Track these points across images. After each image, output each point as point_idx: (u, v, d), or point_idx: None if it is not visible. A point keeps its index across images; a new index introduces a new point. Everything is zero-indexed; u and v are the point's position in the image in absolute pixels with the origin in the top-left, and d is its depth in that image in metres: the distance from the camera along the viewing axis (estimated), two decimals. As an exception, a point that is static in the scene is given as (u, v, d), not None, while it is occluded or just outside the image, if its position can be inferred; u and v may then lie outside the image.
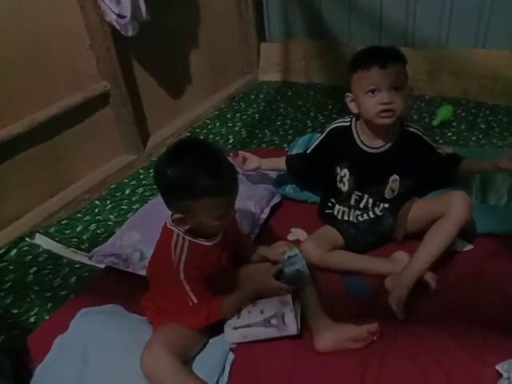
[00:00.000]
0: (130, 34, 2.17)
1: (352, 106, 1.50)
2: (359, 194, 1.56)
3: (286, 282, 1.24)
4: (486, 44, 2.79)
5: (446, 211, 1.39)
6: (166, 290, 1.21)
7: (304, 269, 1.26)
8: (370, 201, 1.55)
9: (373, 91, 1.39)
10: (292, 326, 1.21)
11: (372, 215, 1.57)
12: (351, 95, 1.48)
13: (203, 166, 1.09)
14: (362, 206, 1.57)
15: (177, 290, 1.16)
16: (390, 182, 1.52)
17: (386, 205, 1.56)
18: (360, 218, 1.58)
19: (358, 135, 1.53)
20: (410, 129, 1.52)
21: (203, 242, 1.20)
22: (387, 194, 1.54)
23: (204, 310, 1.16)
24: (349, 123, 1.57)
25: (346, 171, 1.56)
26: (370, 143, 1.51)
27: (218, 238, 1.23)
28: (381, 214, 1.56)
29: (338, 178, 1.59)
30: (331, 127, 1.62)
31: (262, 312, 1.23)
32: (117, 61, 2.26)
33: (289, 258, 1.27)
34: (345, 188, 1.58)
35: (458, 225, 1.39)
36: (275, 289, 1.24)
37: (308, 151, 1.70)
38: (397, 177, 1.52)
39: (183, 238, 1.17)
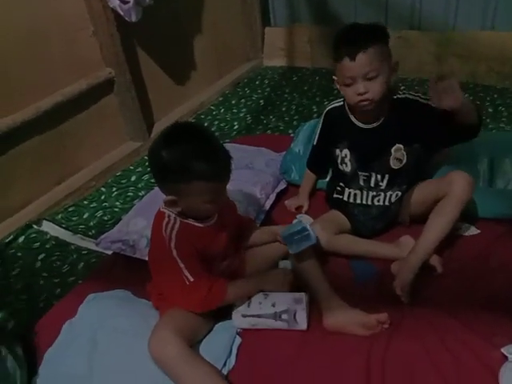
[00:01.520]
0: (133, 19, 2.15)
1: (340, 89, 1.47)
2: (365, 173, 1.55)
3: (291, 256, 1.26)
4: (494, 25, 2.75)
5: (448, 191, 1.39)
6: (163, 272, 1.22)
7: (311, 232, 1.27)
8: (379, 177, 1.53)
9: (349, 83, 1.37)
10: (302, 324, 1.21)
11: (387, 202, 1.55)
12: (336, 79, 1.46)
13: (198, 150, 1.09)
14: (372, 184, 1.55)
15: (172, 270, 1.15)
16: (393, 152, 1.49)
17: (397, 187, 1.54)
18: (376, 202, 1.56)
19: (352, 113, 1.52)
20: (398, 96, 1.48)
21: (195, 223, 1.21)
22: (394, 165, 1.51)
23: (202, 289, 1.15)
24: (342, 103, 1.55)
25: (346, 151, 1.55)
26: (364, 120, 1.50)
27: (212, 221, 1.24)
28: (394, 200, 1.55)
29: (340, 160, 1.58)
30: (326, 110, 1.62)
31: (273, 305, 1.22)
32: (121, 47, 2.25)
33: (297, 222, 1.28)
34: (347, 169, 1.57)
35: (460, 204, 1.38)
36: (282, 277, 1.25)
37: (314, 143, 1.69)
38: (400, 146, 1.49)
39: (174, 219, 1.18)
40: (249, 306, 1.24)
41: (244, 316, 1.23)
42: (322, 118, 1.63)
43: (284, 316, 1.21)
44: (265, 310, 1.22)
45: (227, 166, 1.14)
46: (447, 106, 1.27)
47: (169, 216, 1.19)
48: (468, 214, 1.57)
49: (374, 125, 1.49)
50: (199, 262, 1.17)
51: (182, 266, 1.14)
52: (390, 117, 1.48)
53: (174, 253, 1.14)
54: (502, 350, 1.07)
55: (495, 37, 2.74)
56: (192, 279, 1.14)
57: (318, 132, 1.66)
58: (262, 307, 1.23)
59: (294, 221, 1.32)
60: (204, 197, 1.13)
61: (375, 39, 1.34)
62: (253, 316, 1.23)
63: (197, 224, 1.21)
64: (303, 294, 1.25)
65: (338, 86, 1.46)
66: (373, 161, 1.53)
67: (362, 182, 1.56)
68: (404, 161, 1.50)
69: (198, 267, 1.16)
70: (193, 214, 1.19)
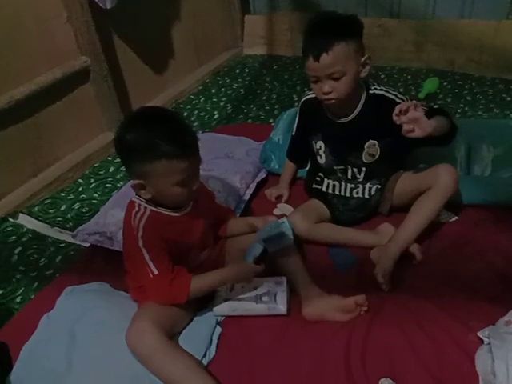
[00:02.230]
0: (108, 6, 2.10)
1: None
2: (341, 166, 1.55)
3: (269, 253, 1.25)
4: (472, 14, 2.77)
5: (433, 184, 1.39)
6: (132, 263, 1.20)
7: (289, 233, 1.26)
8: (355, 170, 1.53)
9: (315, 80, 1.37)
10: (282, 306, 1.23)
11: (366, 195, 1.55)
12: None
13: (162, 129, 1.08)
14: (349, 176, 1.55)
15: (139, 262, 1.14)
16: (366, 147, 1.49)
17: (376, 180, 1.54)
18: (354, 194, 1.56)
19: (326, 106, 1.50)
20: (376, 91, 1.46)
21: (168, 213, 1.19)
22: (366, 159, 1.50)
23: (164, 283, 1.13)
24: None
25: (320, 143, 1.55)
26: (337, 113, 1.49)
27: (186, 210, 1.22)
28: (374, 193, 1.55)
29: (315, 151, 1.58)
30: (302, 100, 1.61)
31: (255, 288, 1.26)
32: (96, 35, 2.18)
33: (276, 223, 1.26)
34: (322, 160, 1.57)
35: (445, 197, 1.39)
36: (247, 270, 1.23)
37: (293, 133, 1.68)
38: (373, 141, 1.49)
39: (144, 208, 1.17)
40: (231, 290, 1.26)
41: (225, 300, 1.24)
42: (299, 108, 1.62)
43: (265, 298, 1.23)
44: (246, 294, 1.25)
45: (192, 145, 1.12)
46: (416, 136, 1.24)
47: (139, 205, 1.17)
48: (447, 201, 1.60)
49: (347, 119, 1.48)
50: (166, 255, 1.15)
51: (147, 257, 1.13)
52: (364, 111, 1.46)
53: (140, 243, 1.13)
54: (478, 333, 1.10)
55: (474, 25, 2.75)
56: (156, 272, 1.13)
57: (296, 122, 1.65)
58: (243, 290, 1.26)
59: (271, 219, 1.29)
60: (170, 178, 1.10)
61: (343, 36, 1.30)
62: (234, 300, 1.24)
63: (169, 213, 1.19)
64: (284, 277, 1.28)
65: None
66: (346, 154, 1.53)
67: (339, 174, 1.57)
68: (377, 156, 1.50)
69: (164, 259, 1.14)
70: (164, 201, 1.17)
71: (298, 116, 1.65)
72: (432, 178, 1.41)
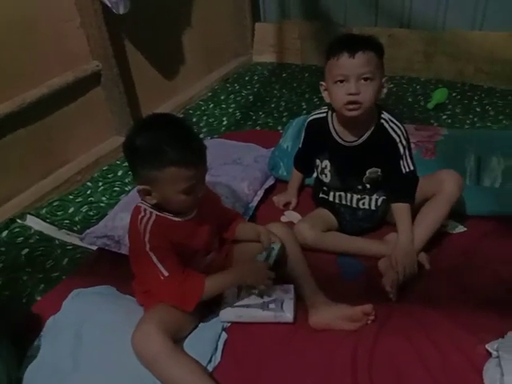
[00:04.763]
0: (121, 11, 2.12)
1: (325, 96, 1.44)
2: (343, 186, 1.55)
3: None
4: (483, 26, 2.77)
5: (437, 191, 1.39)
6: (140, 267, 1.20)
7: (273, 259, 1.25)
8: (359, 187, 1.53)
9: (341, 81, 1.33)
10: (289, 314, 1.22)
11: (373, 206, 1.54)
12: (324, 84, 1.42)
13: (171, 137, 1.09)
14: (356, 190, 1.54)
15: (148, 265, 1.14)
16: (368, 173, 1.49)
17: (382, 192, 1.53)
18: (361, 205, 1.55)
19: (333, 127, 1.48)
20: (384, 123, 1.43)
21: (172, 218, 1.19)
22: (367, 182, 1.51)
23: (176, 284, 1.13)
24: (325, 114, 1.52)
25: (326, 162, 1.54)
26: (345, 136, 1.47)
27: (191, 215, 1.22)
28: (381, 204, 1.54)
29: (319, 170, 1.57)
30: (308, 120, 1.58)
31: (261, 295, 1.25)
32: (108, 40, 2.21)
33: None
34: (326, 179, 1.56)
35: (449, 204, 1.39)
36: (260, 269, 1.22)
37: (300, 145, 1.67)
38: (376, 169, 1.48)
39: (150, 213, 1.17)
40: (238, 297, 1.25)
41: (232, 307, 1.24)
42: (305, 127, 1.60)
43: (271, 305, 1.23)
44: (253, 300, 1.24)
45: (200, 154, 1.13)
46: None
47: (145, 210, 1.18)
48: (455, 212, 1.58)
49: (353, 144, 1.46)
50: (175, 257, 1.15)
51: (155, 260, 1.13)
52: (371, 140, 1.44)
53: (148, 247, 1.13)
54: (487, 346, 1.09)
55: (484, 37, 2.76)
56: (166, 274, 1.13)
57: (303, 137, 1.64)
58: (250, 297, 1.25)
59: (273, 238, 1.29)
60: (177, 186, 1.11)
61: (375, 48, 1.33)
62: (241, 306, 1.24)
63: (174, 218, 1.19)
64: (291, 285, 1.28)
65: (325, 91, 1.42)
66: (348, 176, 1.52)
67: (343, 189, 1.56)
68: (379, 180, 1.50)
69: (173, 262, 1.15)
70: (168, 207, 1.17)
71: (303, 134, 1.62)
72: (436, 184, 1.41)
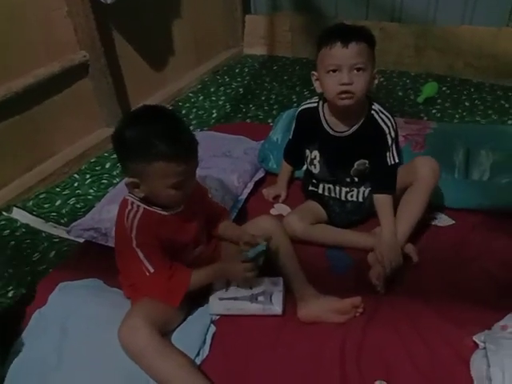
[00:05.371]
0: (108, 1, 2.09)
1: (317, 86, 1.43)
2: (332, 178, 1.54)
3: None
4: (472, 21, 2.78)
5: (414, 179, 1.40)
6: (126, 262, 1.19)
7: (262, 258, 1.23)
8: (348, 179, 1.53)
9: (334, 70, 1.32)
10: (277, 306, 1.22)
11: (361, 198, 1.55)
12: (316, 74, 1.41)
13: (163, 130, 1.07)
14: (344, 183, 1.55)
15: (134, 261, 1.13)
16: (356, 165, 1.49)
17: (370, 183, 1.54)
18: (349, 197, 1.56)
19: (324, 117, 1.48)
20: (374, 114, 1.43)
21: (160, 212, 1.17)
22: (354, 174, 1.51)
23: (162, 280, 1.12)
24: (316, 104, 1.51)
25: (316, 153, 1.53)
26: (335, 126, 1.46)
27: (179, 209, 1.20)
28: (367, 195, 1.54)
29: (309, 161, 1.57)
30: (299, 110, 1.57)
31: (250, 288, 1.24)
32: (96, 30, 2.18)
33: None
34: (316, 170, 1.56)
35: (427, 190, 1.40)
36: (241, 269, 1.19)
37: (290, 136, 1.66)
38: (364, 161, 1.48)
39: (137, 206, 1.15)
40: (226, 290, 1.25)
41: (221, 299, 1.23)
42: (296, 117, 1.59)
43: (260, 298, 1.22)
44: (242, 293, 1.24)
45: (191, 149, 1.11)
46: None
47: (132, 203, 1.16)
48: (443, 205, 1.59)
49: (343, 134, 1.46)
50: (161, 252, 1.14)
51: (141, 256, 1.12)
52: (361, 130, 1.44)
53: (134, 243, 1.12)
54: (474, 337, 1.09)
55: (474, 32, 2.77)
56: (152, 270, 1.12)
57: (293, 129, 1.63)
58: (239, 290, 1.24)
59: (258, 239, 1.23)
60: (166, 180, 1.09)
61: (367, 39, 1.33)
62: (229, 299, 1.23)
63: (162, 212, 1.17)
64: (280, 278, 1.27)
65: (316, 81, 1.42)
66: (337, 167, 1.52)
67: (332, 183, 1.56)
68: (366, 172, 1.50)
69: (159, 257, 1.14)
70: (157, 201, 1.16)
71: (294, 124, 1.61)
72: (411, 173, 1.41)
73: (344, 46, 1.29)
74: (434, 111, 2.54)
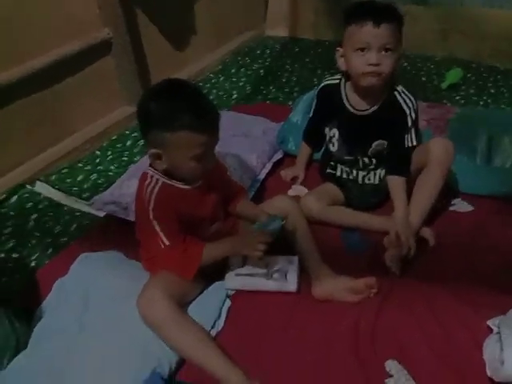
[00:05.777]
0: (132, -22, 2.09)
1: (341, 62, 1.42)
2: (350, 157, 1.53)
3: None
4: (502, 4, 2.69)
5: (427, 160, 1.39)
6: (144, 234, 1.22)
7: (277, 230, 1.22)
8: (366, 160, 1.52)
9: (362, 49, 1.31)
10: (292, 284, 1.24)
11: (377, 180, 1.55)
12: (341, 50, 1.40)
13: (188, 101, 1.10)
14: (361, 165, 1.54)
15: (150, 233, 1.15)
16: (374, 145, 1.48)
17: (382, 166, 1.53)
18: (366, 181, 1.56)
19: (345, 94, 1.47)
20: (397, 95, 1.42)
21: (179, 185, 1.19)
22: (372, 154, 1.50)
23: (176, 253, 1.15)
24: (338, 81, 1.50)
25: (335, 131, 1.52)
26: (356, 104, 1.45)
27: (198, 184, 1.22)
28: (383, 177, 1.53)
29: (328, 139, 1.56)
30: (321, 85, 1.56)
31: (266, 265, 1.27)
32: (119, 7, 2.18)
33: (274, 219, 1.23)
34: (334, 148, 1.55)
35: (440, 170, 1.39)
36: (253, 240, 1.19)
37: (310, 115, 1.66)
38: (383, 142, 1.47)
39: (157, 179, 1.17)
40: (243, 265, 1.27)
41: (237, 275, 1.26)
42: (317, 93, 1.58)
43: (275, 275, 1.25)
44: (258, 270, 1.26)
45: (214, 121, 1.13)
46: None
47: (151, 177, 1.18)
48: (463, 191, 1.58)
49: (364, 112, 1.45)
50: (177, 226, 1.16)
51: (157, 229, 1.15)
52: (382, 110, 1.43)
53: (151, 215, 1.14)
54: (488, 322, 1.09)
55: (503, 16, 2.68)
56: (167, 243, 1.15)
57: (313, 106, 1.62)
58: (255, 266, 1.26)
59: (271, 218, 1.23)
60: (188, 151, 1.10)
61: (398, 20, 1.32)
62: (245, 275, 1.25)
63: (181, 186, 1.19)
64: (296, 256, 1.29)
65: (341, 58, 1.40)
66: (355, 146, 1.51)
67: (349, 164, 1.56)
68: (384, 153, 1.49)
69: (175, 230, 1.16)
70: (177, 174, 1.17)
71: (315, 101, 1.61)
72: (425, 154, 1.40)
73: (376, 26, 1.28)
74: (457, 98, 2.48)
